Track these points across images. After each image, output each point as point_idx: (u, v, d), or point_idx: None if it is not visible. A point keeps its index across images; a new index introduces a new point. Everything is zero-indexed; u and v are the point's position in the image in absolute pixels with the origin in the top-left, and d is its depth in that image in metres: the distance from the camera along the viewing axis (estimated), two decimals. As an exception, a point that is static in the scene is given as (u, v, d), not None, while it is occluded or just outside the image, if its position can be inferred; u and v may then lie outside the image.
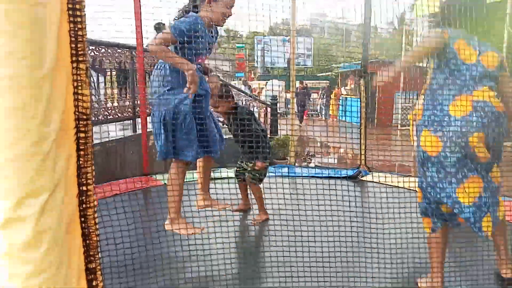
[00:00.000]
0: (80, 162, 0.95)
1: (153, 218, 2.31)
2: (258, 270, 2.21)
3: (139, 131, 4.10)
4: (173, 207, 2.27)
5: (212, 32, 2.35)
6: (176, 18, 2.27)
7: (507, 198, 3.03)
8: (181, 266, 2.07)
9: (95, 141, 3.78)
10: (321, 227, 2.12)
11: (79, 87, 0.93)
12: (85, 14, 0.93)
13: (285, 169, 4.02)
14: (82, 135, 0.95)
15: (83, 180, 0.95)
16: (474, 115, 1.78)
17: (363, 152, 4.07)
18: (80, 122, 0.93)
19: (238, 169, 2.91)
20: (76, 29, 0.91)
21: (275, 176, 3.49)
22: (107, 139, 3.83)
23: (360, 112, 4.05)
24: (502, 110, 1.84)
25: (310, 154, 7.35)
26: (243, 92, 8.21)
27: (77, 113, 0.93)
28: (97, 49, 4.02)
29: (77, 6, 0.90)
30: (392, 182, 3.10)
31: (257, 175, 2.77)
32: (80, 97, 0.92)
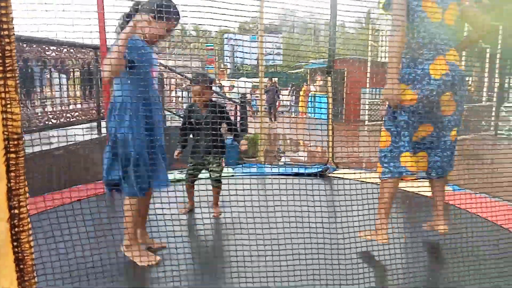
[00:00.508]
0: (11, 184, 0.91)
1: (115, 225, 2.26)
2: (222, 270, 2.21)
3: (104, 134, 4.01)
4: (129, 233, 2.24)
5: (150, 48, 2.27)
6: (121, 26, 2.19)
7: (465, 189, 3.17)
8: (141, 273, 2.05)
9: (61, 144, 3.66)
10: (284, 225, 2.14)
11: (8, 106, 0.88)
12: (13, 27, 0.88)
13: (253, 168, 4.03)
14: (12, 155, 0.90)
15: (14, 203, 0.91)
16: (448, 76, 2.14)
17: (330, 149, 4.14)
18: (10, 143, 0.89)
19: (192, 170, 3.04)
20: (3, 43, 0.86)
21: (243, 175, 3.49)
22: (71, 142, 3.72)
23: (328, 108, 4.11)
24: (463, 70, 2.25)
25: (280, 152, 7.40)
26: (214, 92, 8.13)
27: (6, 132, 0.88)
28: (59, 49, 3.89)
29: (4, 19, 0.86)
30: (359, 177, 3.16)
31: (218, 175, 2.99)
32: (9, 115, 0.88)
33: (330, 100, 4.06)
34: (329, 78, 4.02)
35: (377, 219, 2.25)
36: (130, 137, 2.10)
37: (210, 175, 3.02)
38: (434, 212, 2.38)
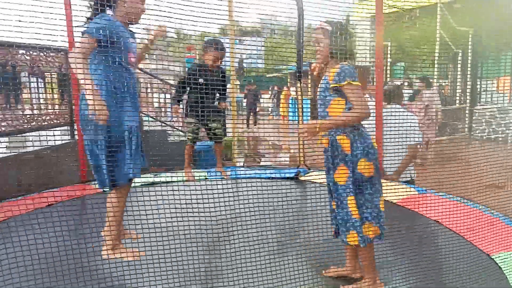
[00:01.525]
0: None
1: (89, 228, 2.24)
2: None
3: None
4: (113, 234, 2.19)
5: (130, 31, 2.27)
6: (90, 18, 2.17)
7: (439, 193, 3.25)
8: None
9: (28, 149, 3.62)
10: (256, 228, 2.17)
11: None
12: None
13: (229, 172, 4.05)
14: None
15: None
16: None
17: (301, 151, 4.19)
18: None
19: (197, 129, 3.33)
20: None
21: (216, 178, 3.50)
22: (42, 147, 3.67)
23: (297, 111, 4.17)
24: None
25: (258, 154, 7.42)
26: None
27: None
28: (28, 53, 3.84)
29: None
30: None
31: (223, 133, 3.36)
32: None
33: (300, 103, 4.13)
34: (298, 84, 4.10)
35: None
36: (110, 122, 2.03)
37: (212, 133, 3.29)
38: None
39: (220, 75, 3.30)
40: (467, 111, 10.55)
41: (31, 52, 3.86)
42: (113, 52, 2.05)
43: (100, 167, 2.15)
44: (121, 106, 2.11)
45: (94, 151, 2.15)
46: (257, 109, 14.63)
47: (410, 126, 3.32)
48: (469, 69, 10.38)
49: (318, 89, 2.05)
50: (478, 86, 11.68)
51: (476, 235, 2.50)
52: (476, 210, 2.81)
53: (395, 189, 2.93)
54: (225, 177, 3.38)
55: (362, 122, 2.00)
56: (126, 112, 2.12)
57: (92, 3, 2.18)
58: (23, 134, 3.80)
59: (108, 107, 2.03)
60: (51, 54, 4.02)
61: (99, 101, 1.97)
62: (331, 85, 1.95)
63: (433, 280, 2.09)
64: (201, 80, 3.15)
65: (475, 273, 2.13)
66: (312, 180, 3.81)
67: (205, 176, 3.89)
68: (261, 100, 14.83)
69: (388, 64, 12.12)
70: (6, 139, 3.82)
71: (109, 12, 2.19)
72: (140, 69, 5.19)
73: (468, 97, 10.56)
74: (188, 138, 3.29)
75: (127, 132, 2.12)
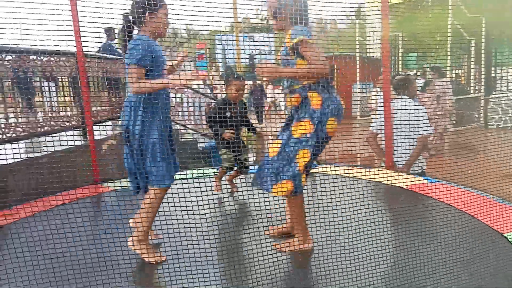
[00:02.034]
0: None
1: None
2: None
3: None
4: (144, 229, 2.26)
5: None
6: (119, 39, 2.31)
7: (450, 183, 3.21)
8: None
9: (43, 153, 3.70)
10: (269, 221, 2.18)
11: None
12: None
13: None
14: None
15: None
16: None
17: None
18: None
19: (234, 161, 3.48)
20: None
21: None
22: (57, 149, 3.75)
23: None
24: None
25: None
26: (202, 94, 8.17)
27: None
28: (39, 58, 3.92)
29: None
30: (340, 173, 3.21)
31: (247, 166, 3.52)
32: None
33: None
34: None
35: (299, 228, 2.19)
36: (146, 130, 2.18)
37: (242, 165, 3.48)
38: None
39: (243, 107, 3.48)
40: (482, 100, 10.35)
41: (42, 57, 3.93)
42: (156, 71, 2.19)
43: (137, 172, 2.26)
44: (154, 116, 2.22)
45: (132, 158, 2.25)
46: (264, 105, 14.59)
47: (419, 118, 3.28)
48: (482, 57, 10.17)
49: (280, 57, 2.11)
50: (493, 74, 11.44)
51: (489, 216, 2.49)
52: (491, 200, 2.77)
53: (405, 178, 2.92)
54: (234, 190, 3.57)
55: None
56: (160, 122, 2.24)
57: (123, 22, 2.29)
58: (37, 138, 3.89)
59: (144, 117, 2.19)
60: (62, 58, 4.09)
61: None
62: (287, 45, 2.01)
63: (449, 260, 2.06)
64: (228, 114, 3.33)
65: (491, 252, 2.11)
66: (322, 172, 3.81)
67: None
68: (268, 96, 14.78)
69: (400, 54, 11.97)
70: (20, 143, 3.91)
71: (135, 28, 2.29)
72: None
73: (482, 86, 10.35)
74: (224, 166, 3.51)
75: (160, 141, 2.21)
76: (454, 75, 11.22)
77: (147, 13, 2.20)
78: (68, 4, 3.44)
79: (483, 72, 10.47)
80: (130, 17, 2.26)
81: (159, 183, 2.23)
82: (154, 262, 2.21)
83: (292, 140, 2.02)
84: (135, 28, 2.29)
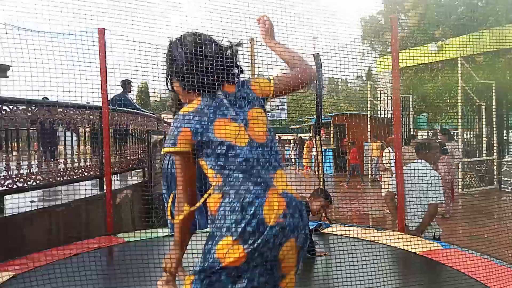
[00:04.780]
0: None
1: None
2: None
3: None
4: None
5: None
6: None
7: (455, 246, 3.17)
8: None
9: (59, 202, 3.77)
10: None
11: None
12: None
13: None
14: None
15: None
16: (287, 218, 1.38)
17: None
18: None
19: None
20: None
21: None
22: (73, 199, 3.83)
23: (318, 164, 4.22)
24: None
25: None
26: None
27: None
28: (65, 110, 4.11)
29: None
30: (349, 234, 3.18)
31: None
32: None
33: (320, 156, 4.19)
34: (317, 138, 4.18)
35: None
36: None
37: None
38: None
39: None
40: (495, 163, 10.31)
41: (68, 110, 4.13)
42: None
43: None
44: None
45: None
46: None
47: (434, 184, 3.30)
48: (494, 120, 10.29)
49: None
50: (505, 137, 11.48)
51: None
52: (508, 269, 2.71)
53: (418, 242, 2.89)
54: None
55: None
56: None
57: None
58: (56, 187, 3.99)
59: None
60: (86, 111, 4.29)
61: None
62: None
63: None
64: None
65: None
66: (333, 233, 3.78)
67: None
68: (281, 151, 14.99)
69: (411, 115, 12.17)
70: (39, 192, 4.01)
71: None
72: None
73: (495, 149, 10.37)
74: None
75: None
76: (466, 138, 11.30)
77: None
78: (98, 62, 3.68)
79: (495, 135, 10.54)
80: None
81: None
82: None
83: None
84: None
